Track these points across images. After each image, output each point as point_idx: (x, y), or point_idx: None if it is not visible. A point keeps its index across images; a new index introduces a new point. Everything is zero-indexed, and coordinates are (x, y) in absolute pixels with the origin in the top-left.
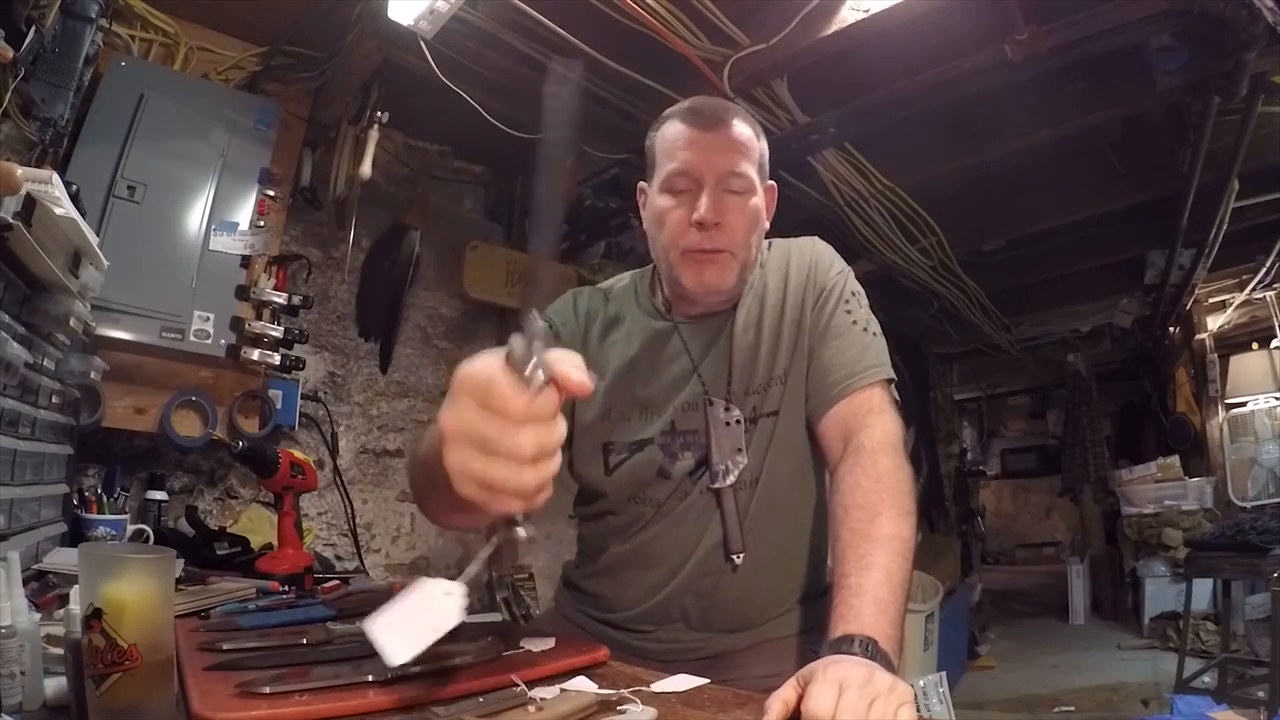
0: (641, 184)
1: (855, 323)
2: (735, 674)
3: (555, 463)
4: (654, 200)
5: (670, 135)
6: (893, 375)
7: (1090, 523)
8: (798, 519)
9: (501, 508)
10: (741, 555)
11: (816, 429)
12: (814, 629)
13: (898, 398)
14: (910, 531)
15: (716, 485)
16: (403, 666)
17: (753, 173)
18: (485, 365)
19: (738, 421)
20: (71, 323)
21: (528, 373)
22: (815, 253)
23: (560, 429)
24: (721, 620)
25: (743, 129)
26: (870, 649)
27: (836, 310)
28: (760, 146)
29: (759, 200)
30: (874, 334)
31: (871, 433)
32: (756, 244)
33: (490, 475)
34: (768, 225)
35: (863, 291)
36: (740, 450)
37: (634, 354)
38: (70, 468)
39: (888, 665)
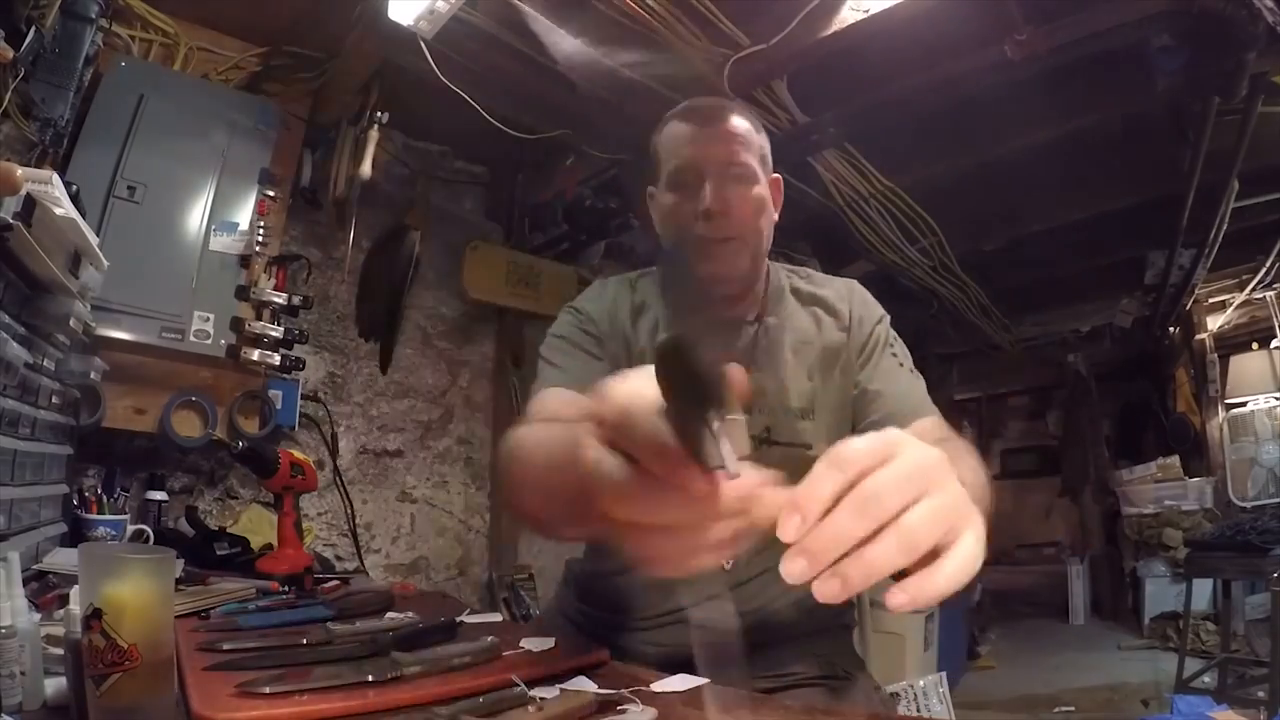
0: (650, 188)
1: (901, 365)
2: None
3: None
4: (661, 199)
5: (671, 134)
6: (936, 412)
7: (1090, 523)
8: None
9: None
10: (730, 563)
11: None
12: (814, 633)
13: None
14: (979, 469)
15: None
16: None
17: (754, 162)
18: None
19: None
20: (71, 323)
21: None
22: (856, 300)
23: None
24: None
25: (740, 122)
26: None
27: (885, 355)
28: (761, 140)
29: (763, 189)
30: (917, 374)
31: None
32: (767, 231)
33: None
34: (776, 216)
35: (899, 338)
36: None
37: (653, 342)
38: (70, 468)
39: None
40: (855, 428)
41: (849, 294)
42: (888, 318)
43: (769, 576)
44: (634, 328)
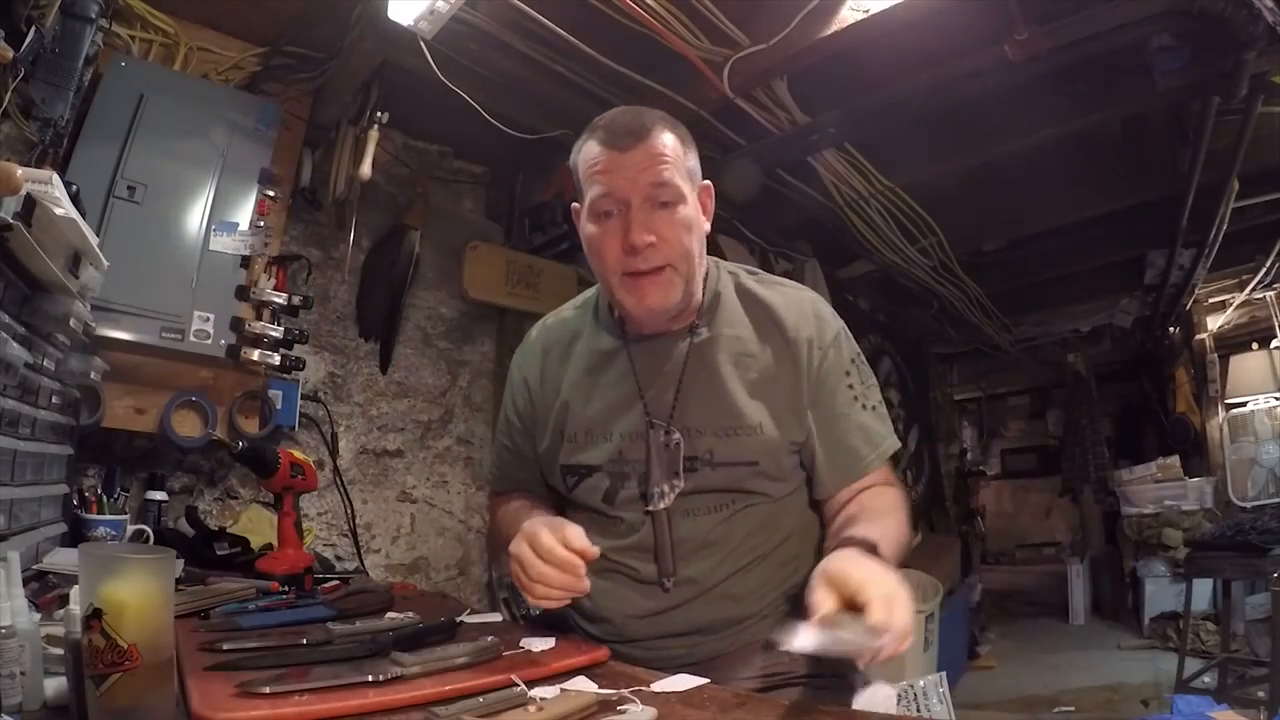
0: (574, 205)
1: (856, 399)
2: (720, 675)
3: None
4: (585, 227)
5: (589, 158)
6: (897, 444)
7: (1090, 523)
8: (757, 558)
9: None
10: (671, 580)
11: (825, 501)
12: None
13: (903, 459)
14: (904, 534)
15: (650, 508)
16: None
17: (679, 180)
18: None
19: (677, 445)
20: (71, 323)
21: None
22: (805, 315)
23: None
24: (691, 629)
25: (662, 137)
26: (873, 549)
27: (839, 388)
28: (688, 152)
29: (689, 208)
30: (873, 407)
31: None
32: (699, 252)
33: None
34: (707, 226)
35: (859, 352)
36: (677, 474)
37: (581, 375)
38: (70, 468)
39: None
40: (804, 463)
41: (799, 305)
42: (843, 332)
43: (755, 581)
44: (563, 367)
